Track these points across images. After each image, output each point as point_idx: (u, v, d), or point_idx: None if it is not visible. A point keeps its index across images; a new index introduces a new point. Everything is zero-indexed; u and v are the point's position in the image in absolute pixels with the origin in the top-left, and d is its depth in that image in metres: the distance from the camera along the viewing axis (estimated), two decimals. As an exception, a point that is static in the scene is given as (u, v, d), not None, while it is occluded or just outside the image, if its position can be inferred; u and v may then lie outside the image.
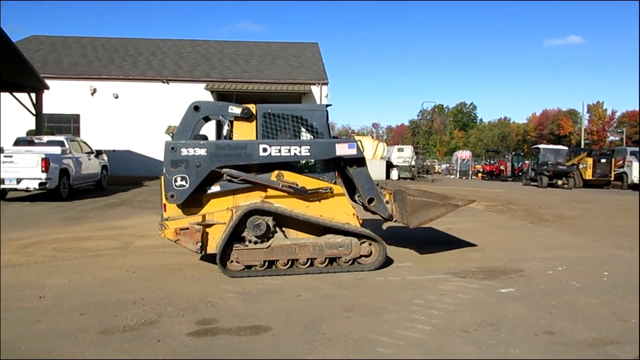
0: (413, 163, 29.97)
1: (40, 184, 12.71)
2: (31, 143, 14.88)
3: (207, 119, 5.75)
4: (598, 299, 4.79)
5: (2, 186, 12.70)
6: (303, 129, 5.73)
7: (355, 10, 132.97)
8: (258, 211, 5.41)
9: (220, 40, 35.07)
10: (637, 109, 67.26)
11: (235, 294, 4.78)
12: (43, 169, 12.68)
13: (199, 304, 4.45)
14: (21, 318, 4.05)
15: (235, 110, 5.54)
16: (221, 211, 5.53)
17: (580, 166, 26.08)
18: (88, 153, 15.97)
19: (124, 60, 29.17)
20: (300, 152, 5.46)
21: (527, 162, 34.76)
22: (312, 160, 5.77)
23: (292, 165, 5.65)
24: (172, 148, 5.37)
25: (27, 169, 12.65)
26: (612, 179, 26.00)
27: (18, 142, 15.23)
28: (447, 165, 49.92)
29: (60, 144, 14.46)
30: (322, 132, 5.71)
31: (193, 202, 5.48)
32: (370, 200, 5.71)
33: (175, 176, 5.35)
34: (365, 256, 5.67)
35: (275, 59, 31.41)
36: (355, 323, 4.01)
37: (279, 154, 5.43)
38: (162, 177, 5.50)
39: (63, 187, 13.56)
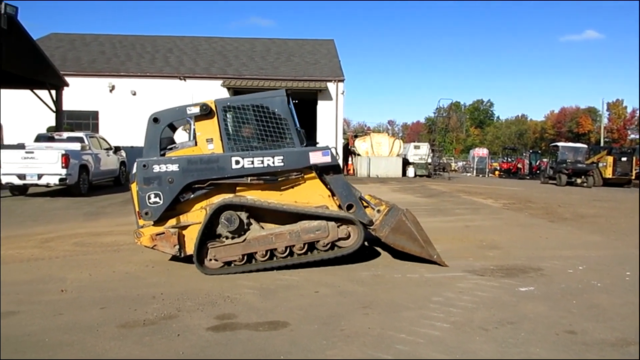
0: (429, 160, 29.78)
1: (60, 180, 12.93)
2: (51, 139, 15.16)
3: (173, 127, 5.67)
4: (620, 298, 4.71)
5: (24, 182, 12.95)
6: (269, 118, 5.53)
7: (370, 6, 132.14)
8: (231, 206, 5.35)
9: (236, 37, 35.30)
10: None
11: (253, 289, 4.81)
12: (63, 164, 12.90)
13: (217, 299, 4.49)
14: (44, 311, 4.13)
15: (194, 110, 5.46)
16: (195, 211, 5.49)
17: (600, 164, 25.68)
18: (107, 149, 16.20)
19: (141, 58, 29.45)
20: (273, 162, 5.38)
21: (545, 160, 34.34)
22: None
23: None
24: (144, 165, 5.34)
25: (47, 165, 12.88)
26: (633, 177, 25.55)
27: (39, 139, 15.53)
28: (464, 162, 49.51)
29: (80, 140, 14.70)
30: (285, 118, 5.57)
31: (166, 211, 5.43)
32: (349, 207, 5.62)
33: (149, 193, 5.31)
34: (344, 239, 5.56)
35: (291, 55, 31.44)
36: (373, 320, 4.00)
37: (252, 166, 5.36)
38: (131, 186, 5.47)
39: (82, 183, 13.78)
